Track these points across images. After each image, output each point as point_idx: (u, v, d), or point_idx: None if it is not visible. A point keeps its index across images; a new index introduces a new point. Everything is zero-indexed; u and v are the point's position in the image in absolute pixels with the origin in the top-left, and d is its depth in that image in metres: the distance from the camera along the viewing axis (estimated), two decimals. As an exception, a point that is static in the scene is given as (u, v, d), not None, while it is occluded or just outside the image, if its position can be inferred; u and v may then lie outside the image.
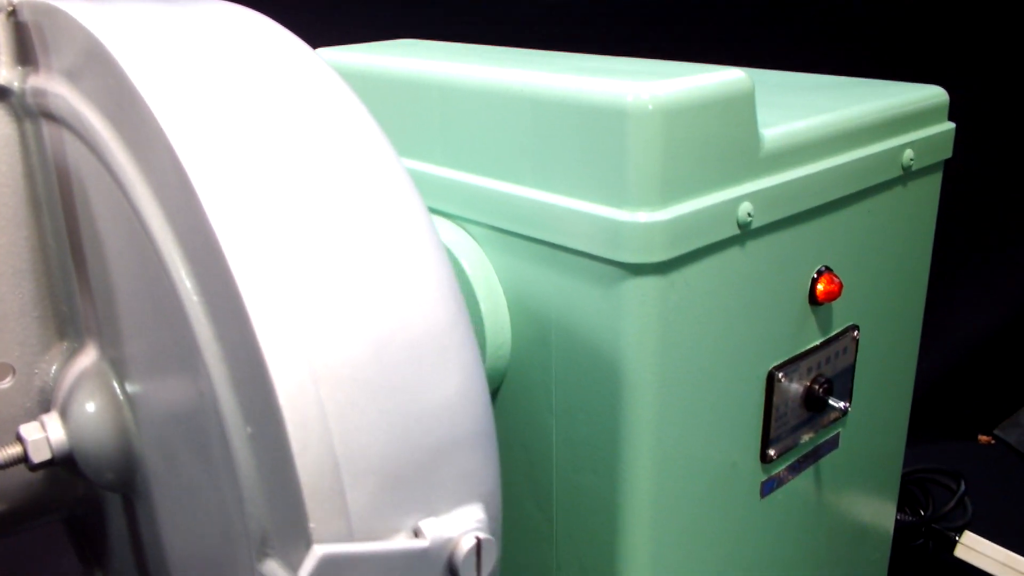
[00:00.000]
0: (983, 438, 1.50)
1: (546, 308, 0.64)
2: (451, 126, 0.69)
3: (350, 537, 0.39)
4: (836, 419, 0.80)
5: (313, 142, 0.44)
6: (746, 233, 0.64)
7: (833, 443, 0.82)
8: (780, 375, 0.71)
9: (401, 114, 0.73)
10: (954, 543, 1.12)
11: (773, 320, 0.70)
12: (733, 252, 0.64)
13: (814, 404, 0.75)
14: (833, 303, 0.75)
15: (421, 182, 0.71)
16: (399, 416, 0.41)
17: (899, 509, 1.12)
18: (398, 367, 0.41)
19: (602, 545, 0.66)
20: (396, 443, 0.41)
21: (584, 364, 0.63)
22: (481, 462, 0.44)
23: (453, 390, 0.43)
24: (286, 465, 0.39)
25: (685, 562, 0.69)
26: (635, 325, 0.59)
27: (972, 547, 1.11)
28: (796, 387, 0.73)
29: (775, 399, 0.71)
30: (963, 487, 1.14)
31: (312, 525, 0.38)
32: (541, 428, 0.68)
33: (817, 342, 0.75)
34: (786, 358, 0.72)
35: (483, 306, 0.66)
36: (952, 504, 1.14)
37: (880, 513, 0.95)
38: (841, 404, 0.74)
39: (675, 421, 0.63)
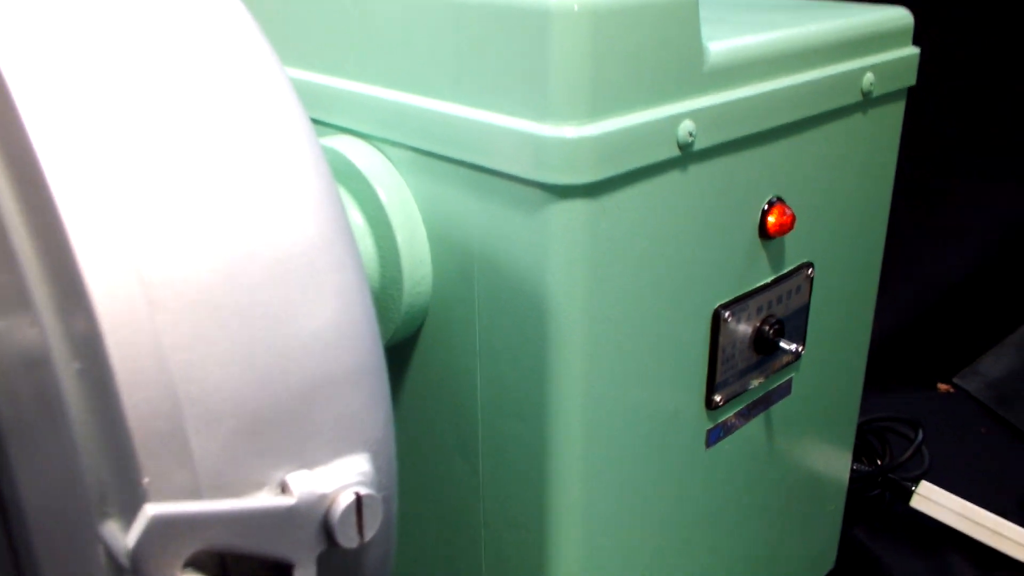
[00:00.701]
0: (943, 387, 1.47)
1: (468, 238, 0.58)
2: (365, 36, 0.62)
3: (196, 494, 0.33)
4: (788, 363, 0.74)
5: (159, 36, 0.37)
6: (688, 155, 0.57)
7: (785, 389, 0.76)
8: (727, 314, 0.65)
9: (311, 25, 0.65)
10: (910, 493, 1.08)
11: (719, 254, 0.64)
12: (674, 177, 0.58)
13: (764, 346, 0.69)
14: (785, 237, 0.69)
15: (334, 100, 0.64)
16: (260, 348, 0.34)
17: (856, 459, 1.08)
18: (257, 290, 0.34)
19: (530, 499, 0.61)
20: (256, 381, 0.34)
21: (509, 300, 0.57)
22: (365, 404, 0.38)
23: (328, 319, 0.36)
24: (114, 406, 0.32)
25: (621, 517, 0.64)
26: (562, 255, 0.53)
27: (928, 497, 1.07)
28: (744, 328, 0.68)
29: (721, 340, 0.66)
30: (920, 436, 1.10)
31: (146, 479, 0.32)
32: (465, 371, 0.62)
33: (768, 280, 0.69)
34: (733, 296, 0.66)
35: (399, 236, 0.60)
36: (909, 453, 1.10)
37: (835, 463, 0.90)
38: (793, 347, 0.69)
39: (608, 363, 0.58)
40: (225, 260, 0.34)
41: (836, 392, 0.85)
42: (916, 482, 1.10)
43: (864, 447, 1.17)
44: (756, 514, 0.79)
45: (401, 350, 0.67)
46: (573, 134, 0.51)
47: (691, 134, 0.56)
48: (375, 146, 0.63)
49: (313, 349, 0.36)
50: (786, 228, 0.67)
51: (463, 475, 0.66)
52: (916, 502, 1.08)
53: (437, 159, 0.58)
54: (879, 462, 1.16)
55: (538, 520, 0.61)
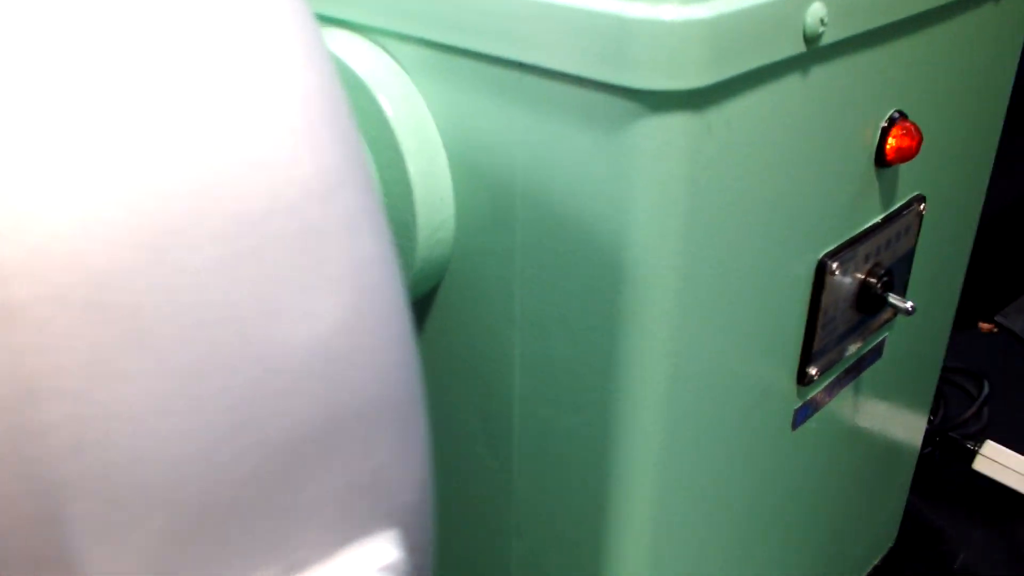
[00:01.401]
0: (984, 326, 1.33)
1: (508, 169, 0.42)
2: None
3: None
4: (886, 322, 0.60)
5: None
6: (813, 53, 0.42)
7: (876, 352, 0.62)
8: (834, 265, 0.50)
9: None
10: (972, 454, 0.95)
11: (830, 188, 0.49)
12: (792, 84, 0.42)
13: (870, 303, 0.55)
14: (900, 166, 0.54)
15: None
16: (213, 380, 0.19)
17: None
18: (202, 274, 0.19)
19: (584, 509, 0.47)
20: (207, 442, 0.19)
21: (567, 254, 0.42)
22: (394, 453, 0.23)
23: (332, 317, 0.21)
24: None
25: (694, 529, 0.50)
26: (652, 192, 0.38)
27: (994, 459, 0.95)
28: (850, 281, 0.53)
29: (824, 299, 0.51)
30: (986, 390, 0.97)
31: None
32: (498, 345, 0.47)
33: (878, 219, 0.54)
34: (841, 241, 0.51)
35: (412, 167, 0.44)
36: (973, 410, 0.97)
37: (912, 430, 0.77)
38: (908, 303, 0.54)
39: (698, 337, 0.43)
40: (148, 225, 0.18)
41: (927, 350, 0.71)
42: (977, 441, 0.97)
43: (916, 400, 1.04)
44: (829, 497, 0.66)
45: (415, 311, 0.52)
46: (675, 15, 0.35)
47: (823, 22, 0.40)
48: (377, 43, 0.46)
49: (307, 371, 0.20)
50: (909, 153, 0.51)
51: (490, 472, 0.51)
52: (980, 464, 0.95)
53: (463, 56, 0.42)
54: (931, 418, 1.03)
55: (593, 536, 0.47)
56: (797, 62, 0.41)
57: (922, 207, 0.58)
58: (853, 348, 0.57)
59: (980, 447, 0.95)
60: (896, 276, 0.58)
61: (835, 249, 0.51)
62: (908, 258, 0.59)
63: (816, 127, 0.45)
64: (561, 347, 0.44)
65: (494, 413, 0.49)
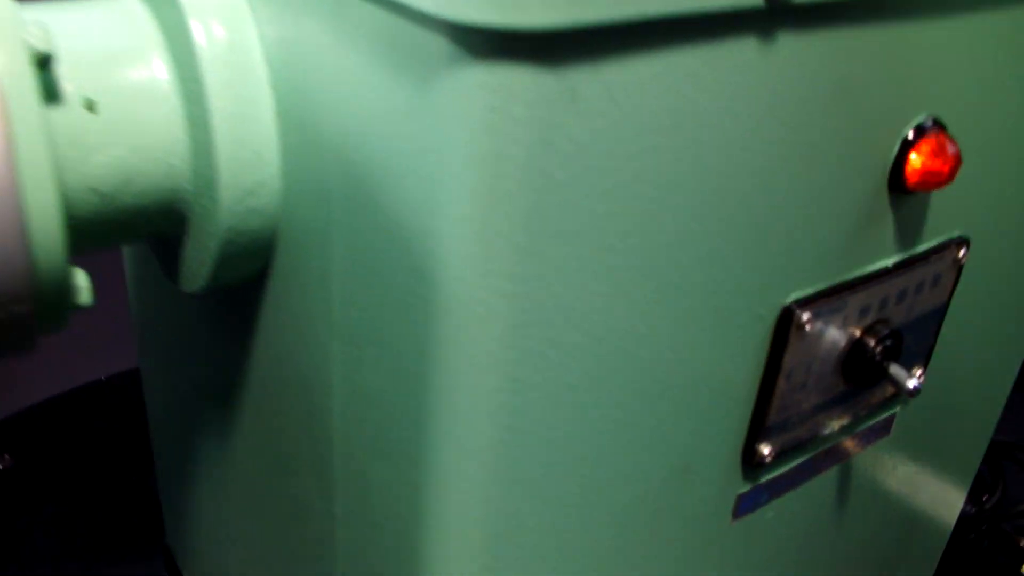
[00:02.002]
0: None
1: (339, 128, 0.31)
2: None
3: None
4: (892, 397, 0.46)
5: None
6: (782, 7, 0.28)
7: (881, 429, 0.48)
8: (805, 316, 0.37)
9: None
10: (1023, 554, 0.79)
11: (809, 212, 0.35)
12: (746, 51, 0.29)
13: (862, 372, 0.41)
14: (931, 195, 0.40)
15: None
16: None
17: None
18: None
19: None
20: None
21: (380, 249, 0.30)
22: None
23: None
24: None
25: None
26: (473, 180, 0.26)
27: (1049, 565, 0.78)
28: (834, 338, 0.39)
29: (788, 359, 0.38)
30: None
31: None
32: (319, 358, 0.36)
33: (887, 263, 0.40)
34: (822, 285, 0.38)
35: (215, 105, 0.33)
36: (1033, 500, 0.81)
37: (937, 523, 0.62)
38: (912, 381, 0.40)
39: (556, 383, 0.30)
40: None
41: (961, 426, 0.56)
42: (1033, 537, 0.81)
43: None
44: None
45: (241, 302, 0.41)
46: (513, -88, 0.22)
47: (789, -37, 0.27)
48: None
49: None
50: (938, 178, 0.37)
51: (317, 511, 0.40)
52: (1030, 568, 0.79)
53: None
54: (985, 498, 0.87)
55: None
56: (753, 22, 0.28)
57: (961, 253, 0.43)
58: (836, 425, 0.43)
59: (1034, 546, 0.79)
60: (910, 340, 0.43)
61: (812, 295, 0.37)
62: (935, 317, 0.45)
63: (790, 123, 0.32)
64: (374, 374, 0.32)
65: (319, 444, 0.38)
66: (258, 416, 0.45)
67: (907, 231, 0.40)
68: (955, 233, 0.43)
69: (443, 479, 0.31)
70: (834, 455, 0.46)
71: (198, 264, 0.37)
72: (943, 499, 0.60)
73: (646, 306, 0.31)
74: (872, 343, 0.40)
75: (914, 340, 0.44)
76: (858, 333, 0.40)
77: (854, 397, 0.43)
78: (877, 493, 0.51)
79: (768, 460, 0.40)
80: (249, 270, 0.37)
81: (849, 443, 0.46)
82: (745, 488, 0.41)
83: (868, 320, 0.40)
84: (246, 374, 0.44)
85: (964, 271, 0.45)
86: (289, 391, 0.40)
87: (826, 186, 0.35)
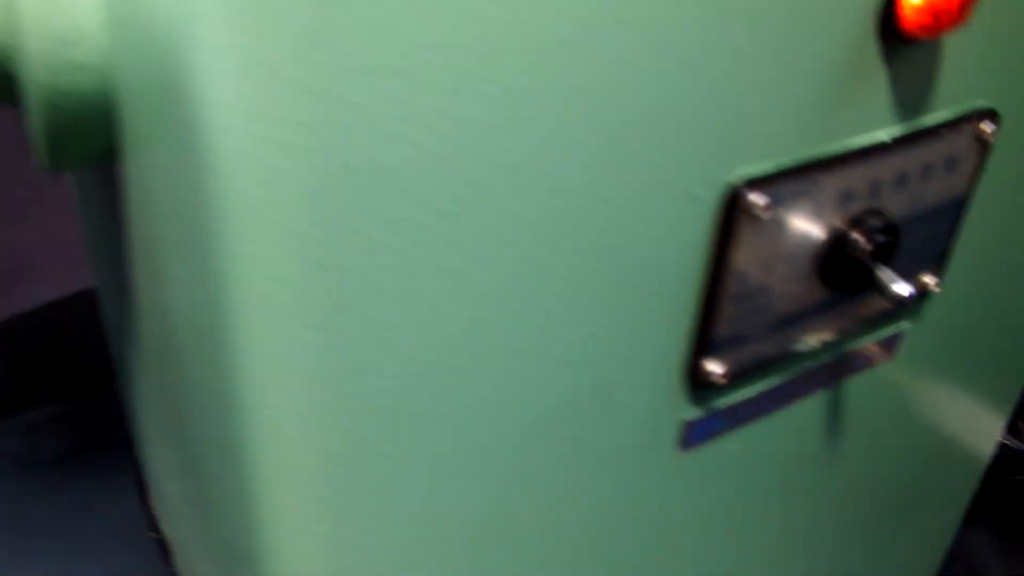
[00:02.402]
0: None
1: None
2: None
3: None
4: (897, 310, 0.37)
5: None
6: None
7: (883, 349, 0.40)
8: (758, 201, 0.29)
9: None
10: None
11: (759, 59, 0.27)
12: None
13: (844, 275, 0.33)
14: (942, 45, 0.31)
15: None
16: None
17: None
18: None
19: (235, 510, 0.29)
20: None
21: (167, 105, 0.23)
22: None
23: None
24: None
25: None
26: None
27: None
28: (806, 231, 0.31)
29: (738, 254, 0.30)
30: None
31: None
32: (157, 256, 0.29)
33: (883, 137, 0.31)
34: (786, 162, 0.29)
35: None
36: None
37: (966, 461, 0.53)
38: (901, 286, 0.32)
39: (385, 269, 0.23)
40: None
41: (993, 347, 0.48)
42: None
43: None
44: (795, 543, 0.45)
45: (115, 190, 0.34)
46: None
47: None
48: None
49: None
50: (949, 18, 0.28)
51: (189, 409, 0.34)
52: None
53: None
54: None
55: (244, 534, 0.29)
56: None
57: (987, 129, 0.34)
58: (815, 341, 0.35)
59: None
60: (916, 238, 0.35)
61: (771, 173, 0.29)
62: (951, 211, 0.36)
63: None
64: (178, 283, 0.25)
65: (171, 337, 0.31)
66: (145, 315, 0.39)
67: (908, 96, 0.31)
68: (978, 103, 0.34)
69: (258, 390, 0.24)
70: (818, 379, 0.38)
71: (37, 134, 0.31)
72: (971, 432, 0.52)
73: (523, 161, 0.24)
74: (858, 238, 0.32)
75: (921, 239, 0.35)
76: (843, 223, 0.32)
77: (839, 306, 0.35)
78: (879, 425, 0.43)
79: (721, 380, 0.32)
80: (95, 146, 0.30)
81: (840, 364, 0.38)
82: (695, 414, 0.34)
83: (854, 209, 0.32)
84: (133, 275, 0.38)
85: (993, 153, 0.36)
86: (153, 289, 0.34)
87: (786, 27, 0.27)
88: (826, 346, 0.36)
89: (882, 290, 0.32)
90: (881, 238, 0.32)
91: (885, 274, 0.32)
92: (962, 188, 0.35)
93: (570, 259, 0.26)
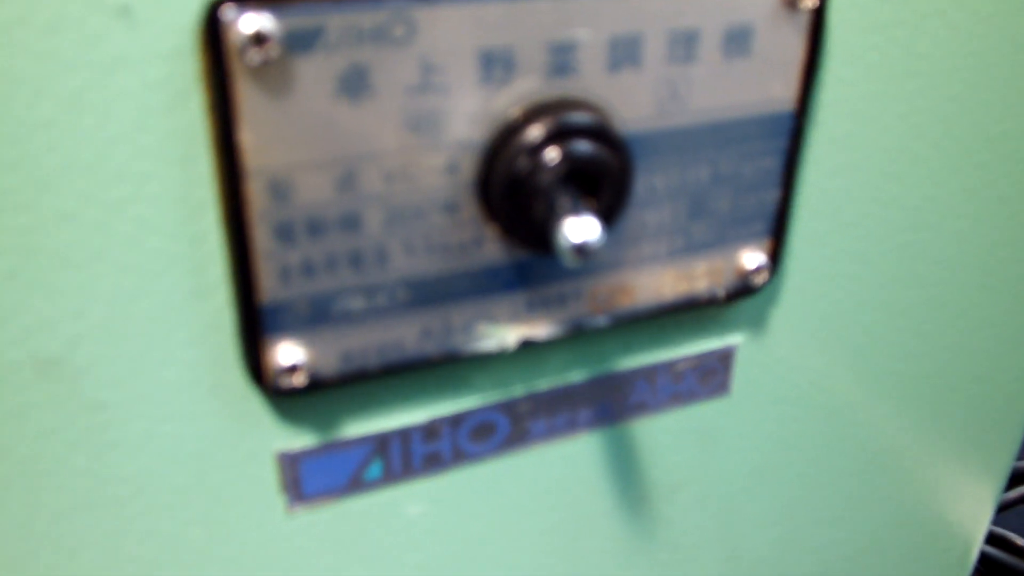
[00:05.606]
0: None
1: None
2: None
3: None
4: (580, 273, 0.23)
5: None
6: None
7: (705, 371, 0.25)
8: (246, 24, 0.16)
9: None
10: None
11: None
12: None
13: (510, 206, 0.19)
14: None
15: None
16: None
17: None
18: None
19: None
20: None
21: None
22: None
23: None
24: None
25: None
26: None
27: None
28: (429, 107, 0.18)
29: (250, 139, 0.17)
30: None
31: None
32: None
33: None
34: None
35: None
36: None
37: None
38: (576, 234, 0.18)
39: None
40: None
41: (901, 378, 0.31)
42: None
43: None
44: None
45: None
46: None
47: None
48: None
49: None
50: None
51: None
52: None
53: None
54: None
55: None
56: None
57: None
58: (506, 334, 0.21)
59: None
60: (719, 184, 0.21)
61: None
62: (775, 140, 0.22)
63: None
64: None
65: None
66: None
67: None
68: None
69: None
70: (566, 411, 0.23)
71: None
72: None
73: None
74: (533, 139, 0.18)
75: (731, 190, 0.21)
76: (515, 114, 0.19)
77: (538, 271, 0.21)
78: (706, 516, 0.28)
79: (300, 382, 0.19)
80: None
81: (615, 391, 0.24)
82: (296, 442, 0.20)
83: (527, 84, 0.18)
84: None
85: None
86: None
87: None
88: (540, 347, 0.22)
89: (551, 241, 0.18)
90: (577, 149, 0.18)
91: (564, 204, 0.18)
92: (784, 96, 0.21)
93: None
